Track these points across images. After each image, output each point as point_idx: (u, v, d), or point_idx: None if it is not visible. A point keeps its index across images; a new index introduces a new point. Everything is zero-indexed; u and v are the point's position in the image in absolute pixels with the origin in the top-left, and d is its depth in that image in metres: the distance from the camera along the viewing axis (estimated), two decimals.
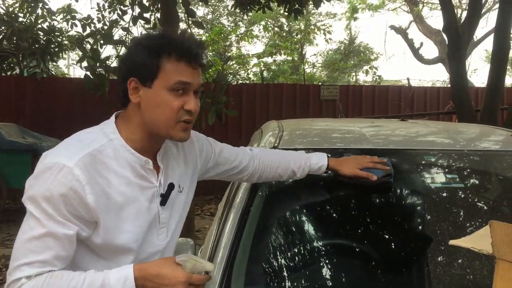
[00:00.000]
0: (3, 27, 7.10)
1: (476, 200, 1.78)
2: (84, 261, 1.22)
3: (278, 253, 1.57)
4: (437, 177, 1.84)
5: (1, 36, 7.93)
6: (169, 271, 1.15)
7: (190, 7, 5.05)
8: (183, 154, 1.43)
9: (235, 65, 13.35)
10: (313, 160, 1.66)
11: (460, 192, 1.79)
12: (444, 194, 1.79)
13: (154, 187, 1.30)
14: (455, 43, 5.50)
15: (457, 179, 1.80)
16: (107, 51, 30.27)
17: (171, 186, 1.33)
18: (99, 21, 7.21)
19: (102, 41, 5.64)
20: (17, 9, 9.06)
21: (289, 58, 14.56)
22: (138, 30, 6.39)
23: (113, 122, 1.28)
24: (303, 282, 1.52)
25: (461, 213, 1.70)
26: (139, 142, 1.27)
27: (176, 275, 1.14)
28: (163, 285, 1.14)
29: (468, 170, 1.91)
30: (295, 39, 14.56)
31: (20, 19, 8.79)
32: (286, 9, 5.89)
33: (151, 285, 1.15)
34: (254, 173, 1.65)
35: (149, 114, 1.24)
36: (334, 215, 1.73)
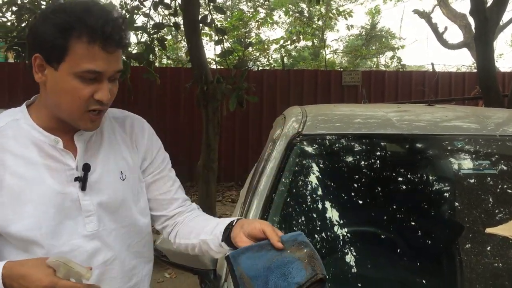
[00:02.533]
0: (26, 15, 7.16)
1: (507, 186, 1.71)
2: (7, 254, 1.12)
3: None
4: (467, 163, 1.78)
5: (24, 24, 8.00)
6: (35, 273, 1.00)
7: None
8: (132, 139, 1.26)
9: (255, 52, 13.27)
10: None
11: (491, 178, 1.73)
12: (475, 181, 1.73)
13: (69, 169, 1.13)
14: (483, 26, 5.33)
15: (488, 165, 1.74)
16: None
17: (86, 168, 1.14)
18: (121, 7, 7.21)
19: None
20: None
21: (309, 43, 14.37)
22: (159, 17, 6.37)
23: (26, 101, 1.17)
24: (328, 270, 1.48)
25: (493, 200, 1.64)
26: (49, 121, 1.13)
27: (40, 277, 0.99)
28: (24, 287, 1.00)
29: (499, 155, 1.84)
30: (316, 25, 14.39)
31: (43, 7, 8.87)
32: None
33: (16, 285, 1.01)
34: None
35: (54, 98, 1.10)
36: (360, 202, 1.69)
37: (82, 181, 1.14)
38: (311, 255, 0.94)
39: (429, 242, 1.50)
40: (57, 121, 1.13)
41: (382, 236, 1.57)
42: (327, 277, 0.92)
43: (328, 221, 1.64)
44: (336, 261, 1.52)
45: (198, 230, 1.24)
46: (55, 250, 1.11)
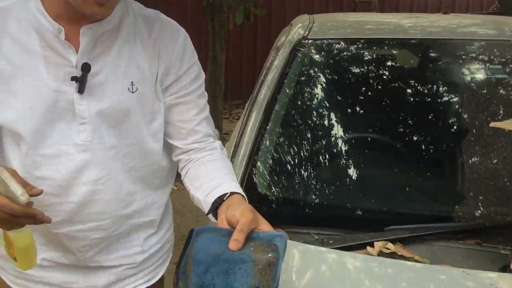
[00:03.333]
0: None
1: None
2: (4, 144, 1.06)
3: (302, 150, 1.52)
4: (478, 68, 1.71)
5: None
6: None
7: None
8: (156, 47, 1.07)
9: None
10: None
11: (503, 84, 1.67)
12: (486, 86, 1.67)
13: (69, 66, 1.00)
14: None
15: (501, 70, 1.67)
16: None
17: (85, 68, 0.99)
18: None
19: None
20: None
21: None
22: None
23: None
24: (328, 176, 1.48)
25: (502, 105, 1.59)
26: (57, 7, 0.99)
27: None
28: None
29: None
30: None
31: None
32: None
33: None
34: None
35: None
36: (364, 108, 1.65)
37: (80, 82, 0.99)
38: (269, 263, 0.79)
39: (433, 145, 1.48)
40: (65, 5, 0.97)
41: (385, 142, 1.55)
42: None
43: (330, 128, 1.61)
44: (337, 166, 1.51)
45: (200, 183, 1.08)
46: (40, 150, 1.02)
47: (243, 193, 1.02)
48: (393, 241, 1.19)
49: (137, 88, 1.05)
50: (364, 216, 1.33)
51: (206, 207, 1.02)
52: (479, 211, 1.29)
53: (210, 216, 1.02)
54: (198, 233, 0.88)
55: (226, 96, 6.33)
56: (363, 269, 1.09)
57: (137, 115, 1.07)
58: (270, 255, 0.80)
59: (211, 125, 1.19)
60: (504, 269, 1.09)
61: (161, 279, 1.29)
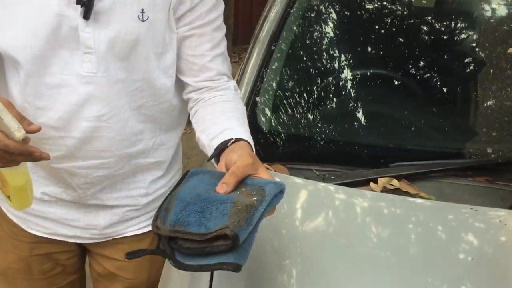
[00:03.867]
0: None
1: None
2: (5, 69, 0.99)
3: (306, 86, 1.44)
4: None
5: None
6: None
7: None
8: None
9: None
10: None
11: None
12: (505, 18, 1.55)
13: None
14: None
15: None
16: None
17: None
18: None
19: None
20: None
21: None
22: None
23: None
24: (331, 113, 1.41)
25: None
26: None
27: None
28: None
29: None
30: None
31: None
32: None
33: None
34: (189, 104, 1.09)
35: None
36: (372, 43, 1.54)
37: (86, 6, 0.89)
38: (249, 205, 0.71)
39: (444, 80, 1.39)
40: None
41: (392, 77, 1.46)
42: (238, 242, 0.67)
43: (335, 64, 1.52)
44: (341, 102, 1.44)
45: (206, 126, 0.99)
46: (40, 79, 0.95)
47: (250, 140, 0.93)
48: (398, 178, 1.13)
49: (148, 16, 0.95)
50: (369, 152, 1.27)
51: (209, 152, 0.94)
52: (491, 148, 1.22)
53: (213, 161, 0.95)
54: (192, 174, 0.84)
55: (236, 41, 6.18)
56: (366, 205, 1.04)
57: (147, 46, 0.97)
58: (254, 198, 0.73)
59: (226, 63, 1.08)
60: None
61: None
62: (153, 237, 1.20)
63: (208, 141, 0.96)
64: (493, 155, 1.20)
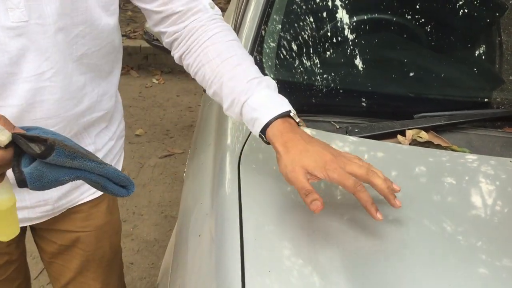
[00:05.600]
0: None
1: None
2: None
3: (320, 30, 1.32)
4: None
5: None
6: None
7: None
8: None
9: None
10: (249, 108, 0.85)
11: None
12: None
13: None
14: None
15: None
16: None
17: None
18: None
19: None
20: None
21: None
22: None
23: None
24: (348, 60, 1.31)
25: None
26: None
27: None
28: None
29: None
30: None
31: None
32: None
33: None
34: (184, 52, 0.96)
35: None
36: None
37: None
38: (91, 157, 0.66)
39: (468, 24, 1.31)
40: None
41: (414, 23, 1.36)
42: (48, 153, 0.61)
43: (352, 8, 1.39)
44: (359, 48, 1.33)
45: (229, 101, 0.87)
46: None
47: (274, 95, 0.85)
48: (425, 130, 1.06)
49: None
50: (391, 103, 1.18)
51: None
52: None
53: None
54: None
55: None
56: (397, 158, 0.97)
57: None
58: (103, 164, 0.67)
59: None
60: None
61: None
62: (109, 200, 1.10)
63: (239, 117, 0.87)
64: None
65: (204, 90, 1.61)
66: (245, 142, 1.01)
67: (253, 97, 0.84)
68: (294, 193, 0.88)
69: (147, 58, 4.21)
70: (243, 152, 0.98)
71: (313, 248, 0.78)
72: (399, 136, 1.06)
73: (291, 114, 0.83)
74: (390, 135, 1.06)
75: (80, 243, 1.08)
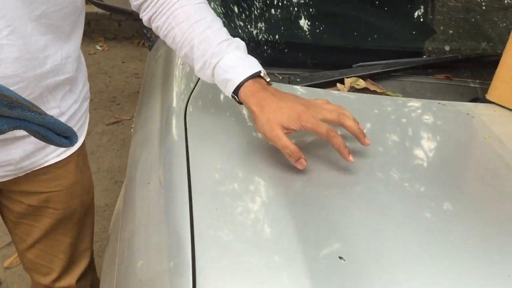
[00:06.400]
0: None
1: None
2: None
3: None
4: None
5: None
6: None
7: None
8: None
9: None
10: (220, 69, 0.87)
11: None
12: None
13: None
14: None
15: None
16: None
17: None
18: None
19: None
20: None
21: None
22: None
23: None
24: (289, 14, 1.34)
25: None
26: None
27: None
28: None
29: None
30: None
31: None
32: None
33: None
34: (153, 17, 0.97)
35: None
36: None
37: None
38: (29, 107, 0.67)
39: None
40: None
41: None
42: None
43: None
44: (299, 3, 1.36)
45: (200, 63, 0.89)
46: None
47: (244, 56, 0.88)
48: (363, 78, 1.12)
49: None
50: (330, 54, 1.23)
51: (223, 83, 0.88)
52: (449, 46, 1.24)
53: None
54: None
55: None
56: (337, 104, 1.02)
57: None
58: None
59: None
60: (474, 101, 1.07)
61: (83, 145, 1.13)
62: (77, 160, 1.09)
63: (211, 80, 0.90)
64: (451, 53, 1.22)
65: (149, 47, 1.60)
66: (191, 92, 1.03)
67: (224, 59, 0.86)
68: (239, 137, 0.92)
69: (89, 24, 4.07)
70: (189, 101, 1.00)
71: (260, 186, 0.82)
72: (338, 85, 1.11)
73: (262, 74, 0.87)
74: (330, 84, 1.11)
75: (51, 202, 1.06)
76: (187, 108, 0.98)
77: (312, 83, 1.09)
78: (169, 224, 0.80)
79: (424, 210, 0.77)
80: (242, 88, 0.85)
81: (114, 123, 3.01)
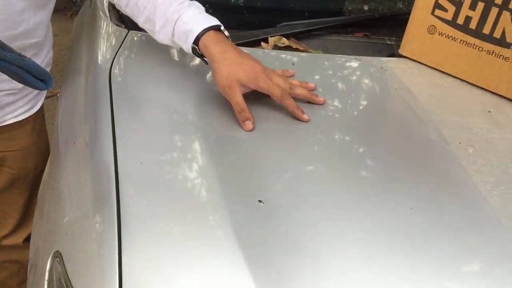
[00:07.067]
0: None
1: None
2: None
3: None
4: None
5: None
6: None
7: None
8: None
9: None
10: (181, 23, 0.91)
11: None
12: None
13: None
14: None
15: None
16: None
17: None
18: None
19: None
20: None
21: None
22: None
23: None
24: None
25: None
26: None
27: None
28: None
29: None
30: None
31: None
32: None
33: None
34: None
35: None
36: None
37: None
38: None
39: None
40: None
41: None
42: None
43: None
44: None
45: (158, 26, 0.93)
46: None
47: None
48: (286, 37, 1.16)
49: None
50: (254, 15, 1.26)
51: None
52: (367, 6, 1.30)
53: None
54: None
55: None
56: (261, 61, 1.05)
57: None
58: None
59: None
60: (390, 57, 1.14)
61: (41, 109, 1.15)
62: (34, 123, 1.11)
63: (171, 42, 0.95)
64: (369, 12, 1.28)
65: (75, 12, 1.56)
66: (117, 52, 1.03)
67: (185, 14, 0.91)
68: (164, 94, 0.95)
69: None
70: (114, 60, 1.01)
71: (184, 139, 0.85)
72: (262, 43, 1.14)
73: (222, 29, 0.91)
74: (254, 43, 1.14)
75: (6, 162, 1.09)
76: (112, 67, 0.99)
77: (237, 42, 1.12)
78: (94, 181, 0.81)
79: (341, 156, 0.83)
80: (203, 37, 0.88)
81: (48, 97, 2.91)
